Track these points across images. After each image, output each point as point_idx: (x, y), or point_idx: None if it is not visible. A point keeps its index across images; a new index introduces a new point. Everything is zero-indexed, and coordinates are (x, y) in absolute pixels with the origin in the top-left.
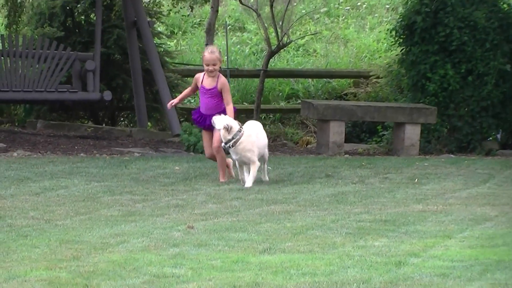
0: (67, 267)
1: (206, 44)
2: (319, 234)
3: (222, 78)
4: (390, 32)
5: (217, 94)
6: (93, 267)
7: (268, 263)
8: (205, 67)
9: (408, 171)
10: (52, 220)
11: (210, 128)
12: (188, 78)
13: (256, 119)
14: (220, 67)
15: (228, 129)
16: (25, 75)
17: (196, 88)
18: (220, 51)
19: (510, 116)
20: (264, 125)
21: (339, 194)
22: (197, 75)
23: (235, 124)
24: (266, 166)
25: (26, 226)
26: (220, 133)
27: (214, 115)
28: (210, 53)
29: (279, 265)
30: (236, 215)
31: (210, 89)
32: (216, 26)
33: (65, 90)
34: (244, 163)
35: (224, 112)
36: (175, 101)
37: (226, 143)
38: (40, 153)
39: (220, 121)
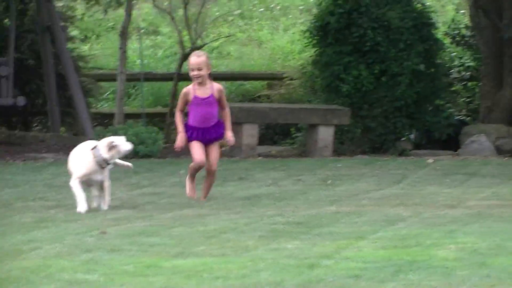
0: None
1: (120, 48)
2: (232, 237)
3: (217, 84)
4: (304, 34)
5: (214, 102)
6: (6, 274)
7: (181, 267)
8: (190, 73)
9: (321, 173)
10: None
11: (205, 140)
12: (102, 83)
13: (169, 123)
14: (209, 74)
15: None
16: None
17: (185, 104)
18: (208, 56)
19: (423, 116)
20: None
21: (252, 196)
22: (184, 90)
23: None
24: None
25: None
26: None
27: (209, 128)
28: (196, 56)
29: (192, 269)
30: (148, 220)
31: (206, 98)
32: (130, 29)
33: None
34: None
35: (217, 124)
36: (181, 138)
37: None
38: None
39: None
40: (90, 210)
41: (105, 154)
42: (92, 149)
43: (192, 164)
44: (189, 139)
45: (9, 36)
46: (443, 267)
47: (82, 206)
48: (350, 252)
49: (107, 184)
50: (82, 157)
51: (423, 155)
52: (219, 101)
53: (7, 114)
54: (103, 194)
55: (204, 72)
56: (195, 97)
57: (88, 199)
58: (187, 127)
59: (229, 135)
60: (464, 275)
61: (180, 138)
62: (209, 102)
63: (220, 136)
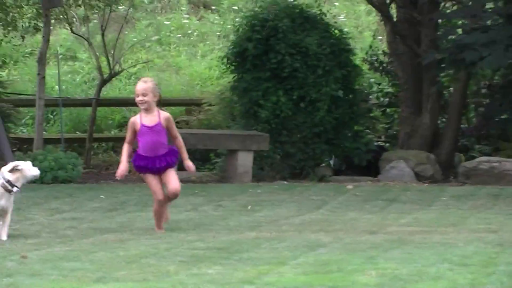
0: None
1: (38, 74)
2: (153, 262)
3: (164, 112)
4: (222, 60)
5: (162, 131)
6: None
7: None
8: (136, 99)
9: (241, 198)
10: None
11: (158, 171)
12: (20, 108)
13: (88, 148)
14: (158, 101)
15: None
16: None
17: (134, 134)
18: (155, 83)
19: (343, 142)
20: (96, 154)
21: (173, 222)
22: (132, 119)
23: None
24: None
25: None
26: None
27: (161, 156)
28: (141, 82)
29: None
30: (69, 245)
31: (153, 126)
32: (48, 55)
33: None
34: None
35: (171, 150)
36: (123, 166)
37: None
38: None
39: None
40: None
41: (9, 176)
42: None
43: (155, 204)
44: (140, 169)
45: None
46: None
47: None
48: (271, 277)
49: (9, 212)
50: None
51: (343, 181)
52: (168, 130)
53: None
54: (4, 222)
55: (149, 98)
56: (142, 126)
57: None
58: (137, 156)
59: (188, 164)
60: None
61: (121, 168)
62: (156, 131)
63: (171, 164)
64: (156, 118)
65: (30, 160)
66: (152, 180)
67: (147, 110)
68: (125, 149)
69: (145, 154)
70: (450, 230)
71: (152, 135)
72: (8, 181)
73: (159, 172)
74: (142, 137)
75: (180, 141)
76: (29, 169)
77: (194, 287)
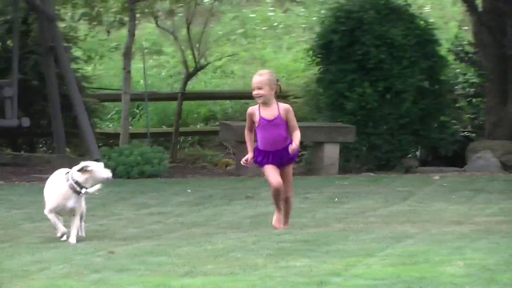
0: None
1: (124, 68)
2: (240, 256)
3: (283, 104)
4: (308, 52)
5: (282, 124)
6: None
7: (189, 286)
8: (253, 93)
9: (328, 190)
10: None
11: (277, 164)
12: (106, 103)
13: (174, 142)
14: (276, 93)
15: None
16: None
17: (253, 124)
18: (271, 74)
19: (428, 132)
20: (182, 148)
21: (260, 215)
22: (249, 109)
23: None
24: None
25: None
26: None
27: (281, 150)
28: (257, 75)
29: None
30: (156, 239)
31: (272, 120)
32: (133, 49)
33: None
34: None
35: (289, 144)
36: (249, 149)
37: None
38: None
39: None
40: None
41: (78, 177)
42: (66, 173)
43: (271, 190)
44: (261, 164)
45: (12, 57)
46: (452, 284)
47: (61, 228)
48: (359, 269)
49: (79, 213)
50: (56, 185)
51: (429, 172)
52: (287, 121)
53: (12, 136)
54: (73, 224)
55: (264, 91)
56: (261, 118)
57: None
58: (257, 151)
59: (293, 146)
60: None
61: (248, 156)
62: (275, 124)
63: (291, 160)
64: (275, 111)
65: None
66: (270, 170)
67: (265, 103)
68: (247, 136)
69: (266, 148)
70: None
71: (271, 129)
72: (77, 182)
73: (281, 165)
74: (261, 131)
75: (297, 133)
76: (100, 171)
77: (281, 280)
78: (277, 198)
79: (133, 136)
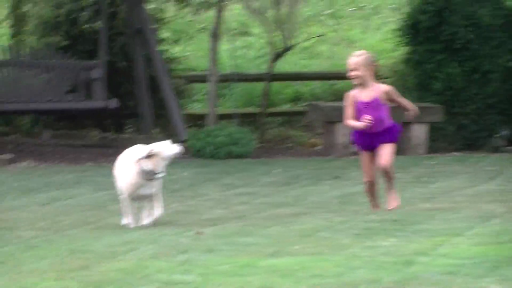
0: (76, 277)
1: (211, 49)
2: (327, 236)
3: (383, 85)
4: (396, 32)
5: (380, 106)
6: (102, 276)
7: (276, 266)
8: (348, 75)
9: (415, 170)
10: (60, 230)
11: (372, 149)
12: (195, 84)
13: (262, 123)
14: (374, 74)
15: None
16: (31, 85)
17: (353, 107)
18: (369, 56)
19: None
20: (270, 129)
21: (347, 195)
22: (347, 94)
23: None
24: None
25: (34, 237)
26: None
27: (379, 133)
28: (353, 56)
29: (288, 268)
30: (243, 220)
31: (370, 102)
32: (221, 30)
33: (71, 99)
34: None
35: (392, 126)
36: (355, 124)
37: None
38: (47, 163)
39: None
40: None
41: (147, 165)
42: (137, 161)
43: (364, 185)
44: (357, 143)
45: (100, 39)
46: None
47: (126, 219)
48: (446, 248)
49: (157, 197)
50: (127, 173)
51: None
52: (393, 102)
53: (100, 117)
54: (153, 208)
55: (360, 72)
56: (360, 102)
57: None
58: (356, 132)
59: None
60: None
61: (359, 125)
62: (374, 106)
63: (390, 140)
64: (373, 93)
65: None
66: (365, 159)
67: (362, 85)
68: (349, 121)
69: (363, 131)
70: None
71: (370, 111)
72: (149, 171)
73: (372, 149)
74: (360, 114)
75: (410, 104)
76: (165, 150)
77: (369, 260)
78: (372, 193)
79: (221, 117)
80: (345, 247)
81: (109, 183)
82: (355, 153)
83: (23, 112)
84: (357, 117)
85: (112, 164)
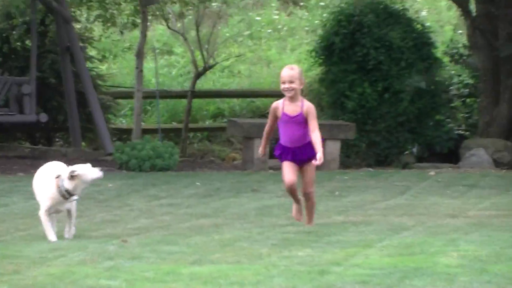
0: (8, 280)
1: (136, 67)
2: (246, 245)
3: (308, 102)
4: (310, 53)
5: (303, 122)
6: (32, 280)
7: (198, 274)
8: (281, 86)
9: (329, 185)
10: None
11: (294, 161)
12: (119, 100)
13: (184, 138)
14: (301, 90)
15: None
16: None
17: (275, 119)
18: (301, 70)
19: (425, 130)
20: (191, 144)
21: (265, 207)
22: (274, 104)
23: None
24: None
25: None
26: None
27: (300, 147)
28: (288, 69)
29: (209, 276)
30: (167, 229)
31: (294, 116)
32: (145, 50)
33: (3, 113)
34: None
35: (309, 144)
36: (263, 144)
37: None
38: None
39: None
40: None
41: (67, 184)
42: (56, 177)
43: (285, 188)
44: (280, 158)
45: (30, 57)
46: (446, 274)
47: (51, 236)
48: (358, 259)
49: (73, 212)
50: (47, 187)
51: (425, 168)
52: (308, 121)
53: (30, 130)
54: (70, 221)
55: (296, 85)
56: (284, 114)
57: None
58: (278, 146)
59: (318, 155)
60: (466, 281)
61: (260, 150)
62: (296, 121)
63: (311, 158)
64: (298, 108)
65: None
66: (286, 167)
67: (292, 98)
68: (265, 133)
69: (286, 144)
70: None
71: (292, 125)
72: (67, 190)
73: (301, 163)
74: (282, 126)
75: (316, 135)
76: (87, 173)
77: (285, 269)
78: (291, 195)
79: (145, 131)
80: (263, 256)
81: None
82: (271, 168)
83: None
84: (281, 129)
85: None
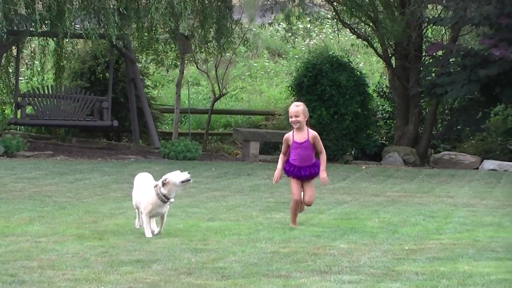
0: (89, 227)
1: (176, 93)
2: (243, 210)
3: (312, 131)
4: (288, 88)
5: (309, 147)
6: (105, 227)
7: (211, 227)
8: (290, 120)
9: None
10: (80, 199)
11: (301, 178)
12: (165, 113)
13: (205, 139)
14: (307, 122)
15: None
16: (66, 110)
17: (288, 147)
18: (305, 107)
19: (360, 140)
20: (210, 143)
21: (255, 185)
22: (286, 136)
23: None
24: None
25: (64, 202)
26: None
27: (309, 166)
28: (294, 106)
29: (218, 228)
30: (192, 197)
31: (302, 143)
32: (182, 82)
33: (89, 119)
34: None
35: (316, 164)
36: (277, 173)
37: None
38: (74, 157)
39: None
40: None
41: (163, 190)
42: (155, 187)
43: (292, 202)
44: (288, 173)
45: (108, 84)
46: (370, 232)
47: (148, 234)
48: (314, 221)
49: (165, 216)
50: (148, 195)
51: (359, 164)
52: (314, 145)
53: (107, 131)
54: (161, 222)
55: (300, 119)
56: (294, 142)
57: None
58: (288, 162)
59: (322, 176)
60: (383, 238)
61: (276, 173)
62: (304, 146)
63: (314, 174)
64: (305, 136)
65: (169, 145)
66: (294, 183)
67: (299, 129)
68: (280, 159)
69: (294, 163)
70: (424, 195)
71: (301, 149)
72: (164, 195)
73: (302, 179)
74: (293, 151)
75: (323, 155)
76: (175, 178)
77: (267, 226)
78: (295, 210)
79: (180, 134)
80: (253, 217)
81: (112, 172)
82: (261, 160)
83: (60, 126)
84: (292, 152)
85: (114, 160)
